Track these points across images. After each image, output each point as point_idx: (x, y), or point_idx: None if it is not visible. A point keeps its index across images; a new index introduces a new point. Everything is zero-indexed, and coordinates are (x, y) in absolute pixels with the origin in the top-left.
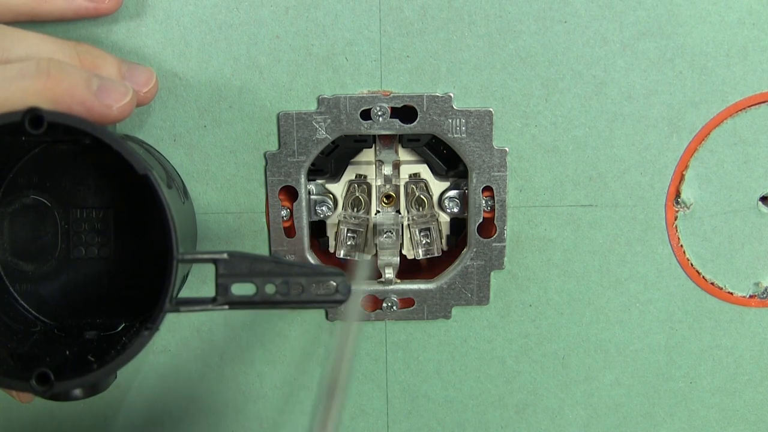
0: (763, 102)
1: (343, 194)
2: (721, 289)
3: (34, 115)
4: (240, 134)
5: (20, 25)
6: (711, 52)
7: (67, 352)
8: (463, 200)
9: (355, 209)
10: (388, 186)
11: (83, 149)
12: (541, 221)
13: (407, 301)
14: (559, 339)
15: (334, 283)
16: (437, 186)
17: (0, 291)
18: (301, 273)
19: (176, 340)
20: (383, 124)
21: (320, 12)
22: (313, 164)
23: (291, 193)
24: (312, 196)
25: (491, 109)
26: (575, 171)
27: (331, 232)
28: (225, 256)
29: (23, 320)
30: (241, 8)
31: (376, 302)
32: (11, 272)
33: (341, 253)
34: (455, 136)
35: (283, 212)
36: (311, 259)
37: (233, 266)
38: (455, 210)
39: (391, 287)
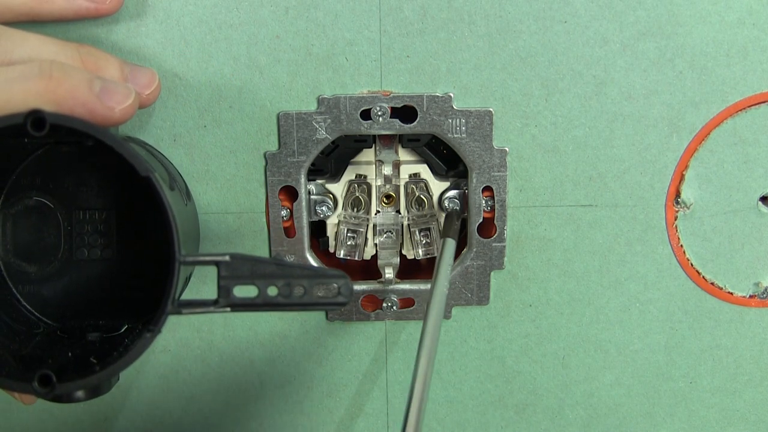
0: (763, 102)
1: (343, 194)
2: (721, 289)
3: (36, 117)
4: (240, 134)
5: (20, 25)
6: (711, 52)
7: (70, 354)
8: (463, 200)
9: (355, 209)
10: (388, 186)
11: (86, 151)
12: (541, 221)
13: (407, 301)
14: (559, 339)
15: (337, 285)
16: (437, 186)
17: (2, 292)
18: (303, 275)
19: (176, 340)
20: (383, 124)
21: (320, 12)
22: (313, 164)
23: (291, 193)
24: (312, 196)
25: (491, 109)
26: (575, 171)
27: (331, 232)
28: (227, 258)
29: (26, 322)
30: (241, 8)
31: (376, 302)
32: (14, 273)
33: (341, 253)
34: (455, 136)
35: (283, 212)
36: (311, 259)
37: (235, 268)
38: (455, 210)
39: (391, 287)
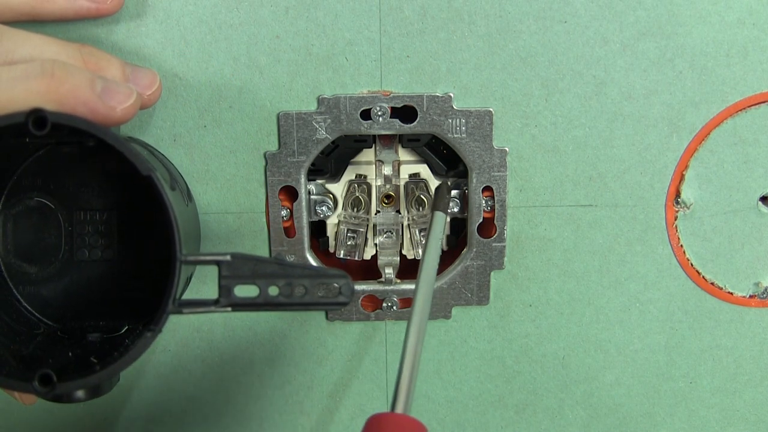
0: (763, 102)
1: (343, 194)
2: (721, 289)
3: (37, 116)
4: (240, 134)
5: (21, 25)
6: (711, 52)
7: (70, 354)
8: (463, 200)
9: (355, 209)
10: (388, 186)
11: (87, 151)
12: (541, 221)
13: (407, 301)
14: (559, 339)
15: (338, 285)
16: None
17: (3, 293)
18: (304, 275)
19: (176, 340)
20: (383, 124)
21: (320, 12)
22: (313, 164)
23: (291, 193)
24: (312, 196)
25: (491, 109)
26: (575, 171)
27: (331, 232)
28: (228, 257)
29: (26, 322)
30: (241, 8)
31: (376, 302)
32: (15, 274)
33: (341, 253)
34: (455, 136)
35: (283, 212)
36: (311, 259)
37: (236, 268)
38: (455, 210)
39: (391, 287)
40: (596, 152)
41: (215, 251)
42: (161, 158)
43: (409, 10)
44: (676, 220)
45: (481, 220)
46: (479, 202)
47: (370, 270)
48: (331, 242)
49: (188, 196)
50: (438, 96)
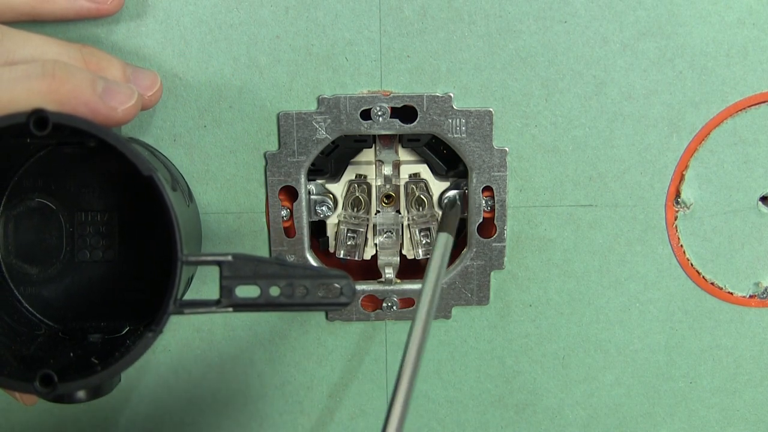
0: (763, 102)
1: (343, 194)
2: (721, 289)
3: (38, 117)
4: (240, 134)
5: (22, 25)
6: (711, 52)
7: (71, 355)
8: (463, 200)
9: (355, 209)
10: (388, 186)
11: (88, 152)
12: (541, 221)
13: (407, 301)
14: (559, 339)
15: (339, 286)
16: (437, 186)
17: (4, 294)
18: (305, 275)
19: (177, 341)
20: (383, 124)
21: (320, 12)
22: (313, 164)
23: (291, 193)
24: (312, 196)
25: (491, 109)
26: (575, 171)
27: (331, 232)
28: (229, 258)
29: (27, 323)
30: (241, 8)
31: (376, 302)
32: (16, 275)
33: (341, 253)
34: (455, 136)
35: (283, 212)
36: (311, 259)
37: (237, 268)
38: (457, 204)
39: (391, 287)
40: (596, 152)
41: (215, 251)
42: (162, 159)
43: (409, 10)
44: (676, 220)
45: (481, 220)
46: (479, 202)
47: (370, 270)
48: (331, 242)
49: (189, 196)
50: (438, 96)
